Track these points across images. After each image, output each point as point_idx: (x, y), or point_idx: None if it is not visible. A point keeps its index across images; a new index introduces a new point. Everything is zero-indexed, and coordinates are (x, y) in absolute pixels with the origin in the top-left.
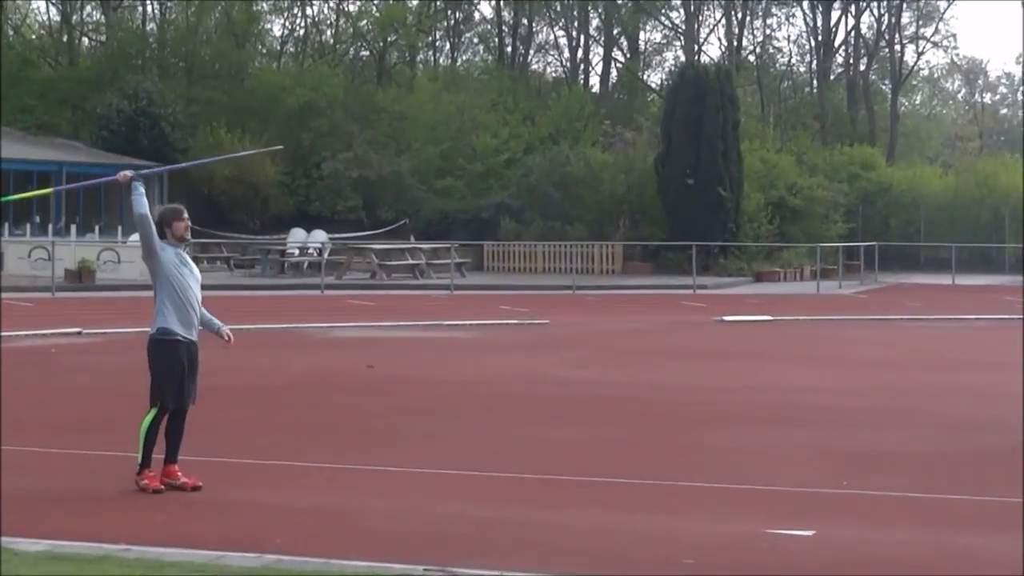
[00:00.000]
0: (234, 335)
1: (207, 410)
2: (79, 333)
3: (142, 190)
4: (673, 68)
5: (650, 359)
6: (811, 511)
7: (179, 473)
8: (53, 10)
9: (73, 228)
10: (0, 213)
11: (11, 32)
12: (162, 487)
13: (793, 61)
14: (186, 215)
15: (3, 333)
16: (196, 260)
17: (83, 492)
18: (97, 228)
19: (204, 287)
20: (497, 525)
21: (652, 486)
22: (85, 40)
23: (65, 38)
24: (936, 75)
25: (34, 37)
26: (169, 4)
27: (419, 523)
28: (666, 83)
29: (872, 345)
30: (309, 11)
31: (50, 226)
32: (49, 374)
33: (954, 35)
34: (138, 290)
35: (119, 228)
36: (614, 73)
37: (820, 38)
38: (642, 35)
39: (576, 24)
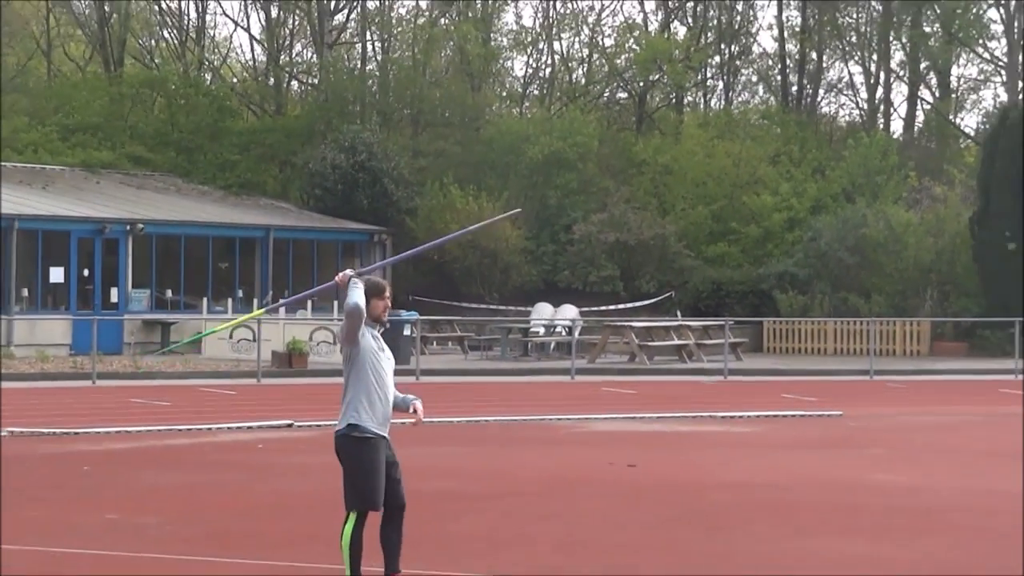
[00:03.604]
0: (470, 429)
1: (440, 519)
2: (290, 426)
3: (362, 287)
4: (992, 109)
5: (969, 459)
6: None
7: None
8: (258, 49)
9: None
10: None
11: (208, 76)
12: None
13: None
14: (388, 294)
15: (204, 426)
16: (424, 340)
17: None
18: (309, 304)
19: (434, 372)
20: None
21: None
22: (295, 84)
23: (271, 82)
24: None
25: (235, 81)
26: (392, 41)
27: None
28: (984, 127)
29: None
30: (557, 47)
31: (255, 301)
32: (255, 475)
33: None
34: None
35: (334, 304)
36: (920, 116)
37: None
38: (955, 70)
39: (875, 58)
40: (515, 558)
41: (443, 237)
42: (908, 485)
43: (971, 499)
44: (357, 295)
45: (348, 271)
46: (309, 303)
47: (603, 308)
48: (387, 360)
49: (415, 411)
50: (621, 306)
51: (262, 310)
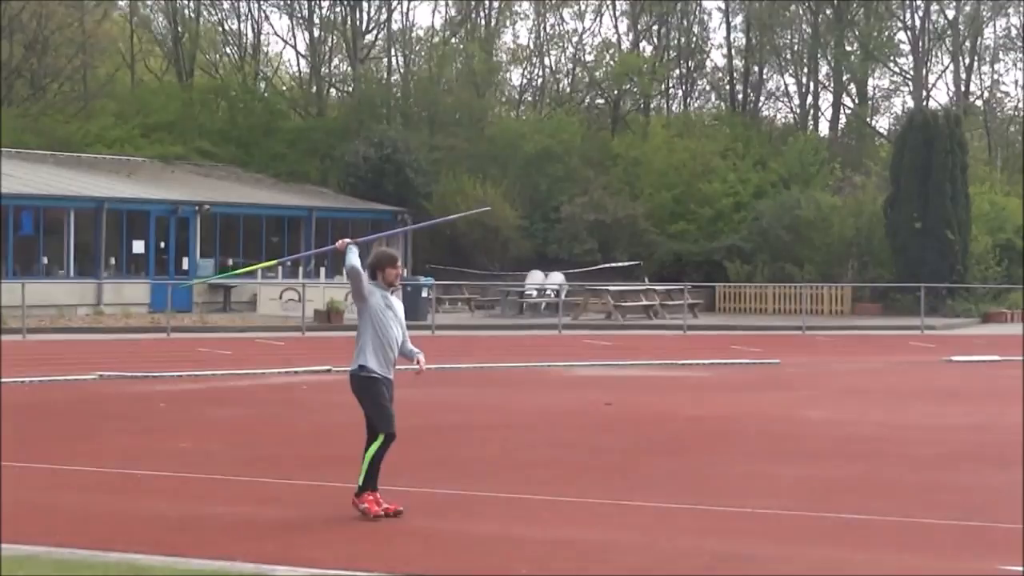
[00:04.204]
0: (476, 374)
1: (452, 446)
2: (329, 371)
3: (356, 251)
4: (901, 113)
5: (881, 398)
6: None
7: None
8: (303, 63)
9: (322, 271)
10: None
11: (262, 84)
12: (382, 512)
13: (1020, 106)
14: (400, 263)
15: (259, 370)
16: (439, 301)
17: (338, 523)
18: (345, 272)
19: (447, 327)
20: (735, 558)
21: (887, 523)
22: (333, 91)
23: (314, 89)
24: None
25: (284, 89)
26: (413, 56)
27: (659, 555)
28: (895, 128)
29: None
30: (547, 61)
31: (300, 269)
32: (301, 410)
33: None
34: None
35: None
36: (843, 119)
37: None
38: (871, 81)
39: (806, 71)
40: (513, 479)
41: (427, 222)
42: (835, 419)
43: (887, 431)
44: (351, 258)
45: (346, 239)
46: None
47: (584, 270)
48: (394, 317)
49: (418, 363)
50: (598, 267)
51: (275, 261)
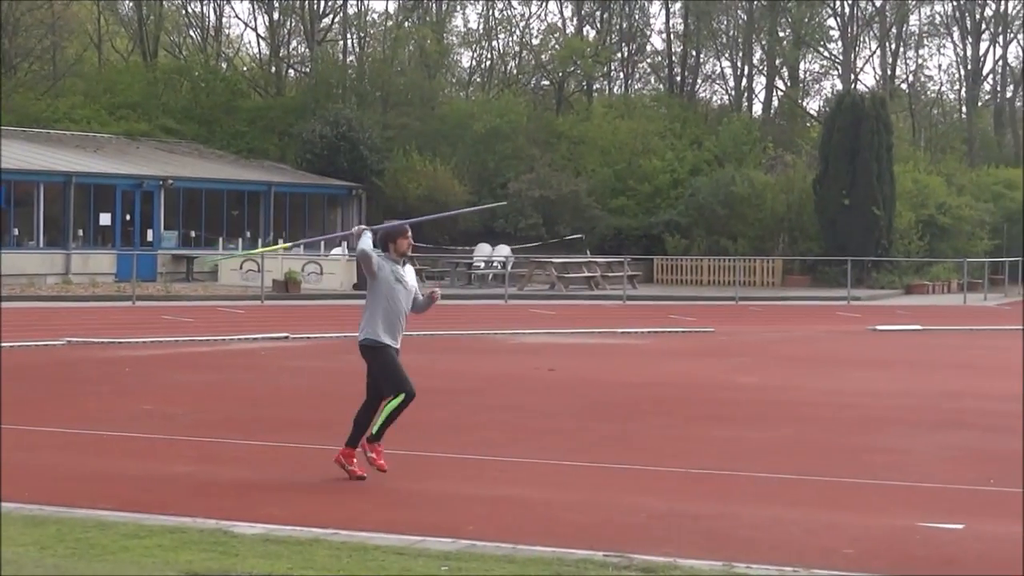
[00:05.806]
0: (427, 341)
1: (412, 409)
2: (286, 338)
3: (369, 236)
4: (831, 96)
5: (810, 365)
6: (961, 507)
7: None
8: (263, 44)
9: (280, 242)
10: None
11: (224, 64)
12: (384, 465)
13: (943, 89)
14: (410, 233)
15: (219, 337)
16: None
17: (294, 482)
18: (302, 245)
19: None
20: (672, 516)
21: (815, 482)
22: (291, 72)
23: (273, 70)
24: None
25: (245, 69)
26: (367, 39)
27: (600, 513)
28: (824, 110)
29: (1015, 353)
30: (495, 44)
31: (259, 241)
32: (260, 375)
33: None
34: (339, 299)
35: (322, 243)
36: (775, 100)
37: (969, 67)
38: (802, 65)
39: (741, 55)
40: (463, 440)
41: (445, 212)
42: (766, 385)
43: (815, 396)
44: (363, 242)
45: (362, 225)
46: (302, 244)
47: (530, 244)
48: (403, 289)
49: (434, 294)
50: (542, 242)
51: (288, 245)
